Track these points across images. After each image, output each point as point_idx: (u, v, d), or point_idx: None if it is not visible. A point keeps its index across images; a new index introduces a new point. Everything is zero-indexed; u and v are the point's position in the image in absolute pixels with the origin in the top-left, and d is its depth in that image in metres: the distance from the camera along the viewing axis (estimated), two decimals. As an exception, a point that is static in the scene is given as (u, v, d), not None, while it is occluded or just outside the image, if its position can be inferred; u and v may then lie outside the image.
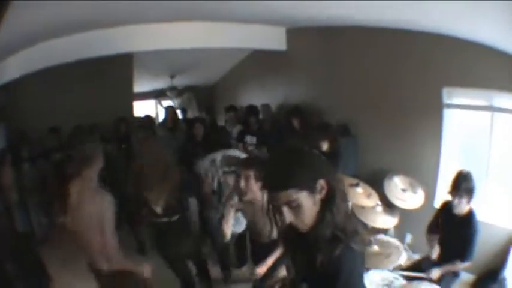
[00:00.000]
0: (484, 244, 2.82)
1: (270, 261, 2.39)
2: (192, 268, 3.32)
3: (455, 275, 2.80)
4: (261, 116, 5.46)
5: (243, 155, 3.64)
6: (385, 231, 3.65)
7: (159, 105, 8.45)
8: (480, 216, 2.68)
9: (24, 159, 4.54)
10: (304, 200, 1.18)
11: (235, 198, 2.57)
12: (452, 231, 2.70)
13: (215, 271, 3.70)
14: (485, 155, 3.48)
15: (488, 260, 3.22)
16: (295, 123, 4.84)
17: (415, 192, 3.53)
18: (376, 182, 3.65)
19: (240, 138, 4.93)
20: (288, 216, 1.21)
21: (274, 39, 5.44)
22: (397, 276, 2.70)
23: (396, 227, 3.65)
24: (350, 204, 2.93)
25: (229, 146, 4.05)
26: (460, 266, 2.69)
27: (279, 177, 1.19)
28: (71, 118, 5.22)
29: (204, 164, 3.69)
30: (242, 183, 2.42)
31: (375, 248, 3.05)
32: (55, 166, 4.69)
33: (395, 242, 3.18)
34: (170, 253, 3.02)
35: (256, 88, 6.91)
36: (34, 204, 4.54)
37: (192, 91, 8.56)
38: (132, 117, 6.24)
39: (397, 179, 3.64)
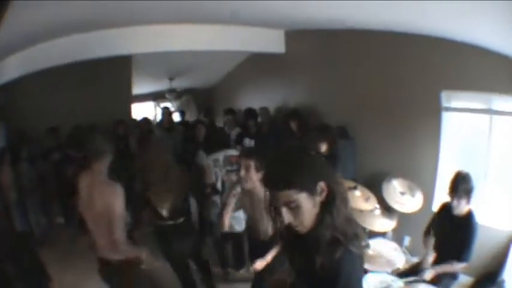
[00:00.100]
0: (482, 246, 2.81)
1: (269, 257, 2.40)
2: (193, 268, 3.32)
3: (453, 277, 2.78)
4: (259, 119, 5.45)
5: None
6: (383, 235, 3.65)
7: (157, 107, 8.47)
8: (479, 219, 2.67)
9: (23, 159, 4.53)
10: (303, 201, 1.18)
11: (238, 189, 2.61)
12: (451, 231, 2.69)
13: (214, 270, 3.69)
14: (484, 159, 3.49)
15: (487, 262, 3.23)
16: (293, 126, 4.83)
17: (413, 195, 3.53)
18: (375, 185, 3.64)
19: (239, 141, 4.94)
20: (287, 217, 1.21)
21: (273, 42, 5.46)
22: (394, 278, 2.69)
23: (394, 230, 3.64)
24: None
25: (229, 147, 4.09)
26: (456, 266, 2.67)
27: (280, 176, 1.19)
28: (70, 118, 5.25)
29: (206, 161, 3.76)
30: (242, 172, 2.45)
31: (373, 250, 3.04)
32: (54, 166, 4.70)
33: (393, 245, 3.18)
34: (173, 254, 3.03)
35: (254, 91, 6.93)
36: (33, 204, 4.54)
37: (191, 93, 8.59)
38: (130, 120, 6.25)
39: (396, 182, 3.63)
